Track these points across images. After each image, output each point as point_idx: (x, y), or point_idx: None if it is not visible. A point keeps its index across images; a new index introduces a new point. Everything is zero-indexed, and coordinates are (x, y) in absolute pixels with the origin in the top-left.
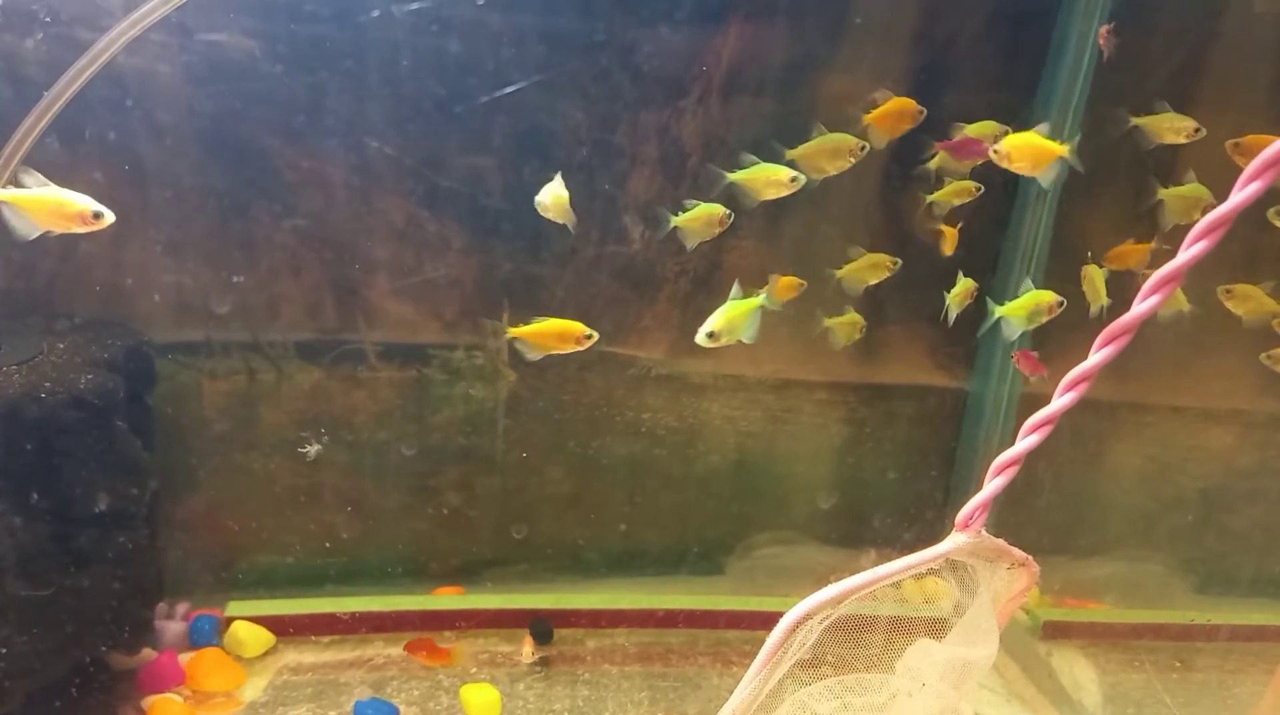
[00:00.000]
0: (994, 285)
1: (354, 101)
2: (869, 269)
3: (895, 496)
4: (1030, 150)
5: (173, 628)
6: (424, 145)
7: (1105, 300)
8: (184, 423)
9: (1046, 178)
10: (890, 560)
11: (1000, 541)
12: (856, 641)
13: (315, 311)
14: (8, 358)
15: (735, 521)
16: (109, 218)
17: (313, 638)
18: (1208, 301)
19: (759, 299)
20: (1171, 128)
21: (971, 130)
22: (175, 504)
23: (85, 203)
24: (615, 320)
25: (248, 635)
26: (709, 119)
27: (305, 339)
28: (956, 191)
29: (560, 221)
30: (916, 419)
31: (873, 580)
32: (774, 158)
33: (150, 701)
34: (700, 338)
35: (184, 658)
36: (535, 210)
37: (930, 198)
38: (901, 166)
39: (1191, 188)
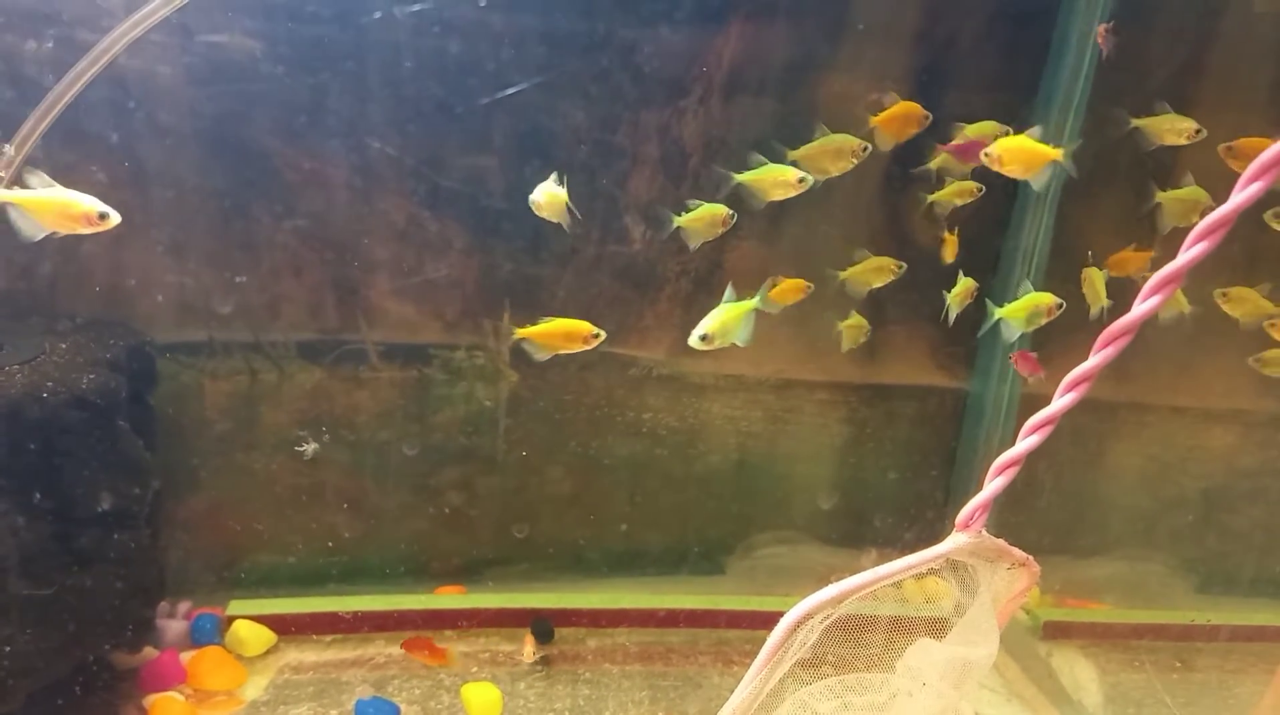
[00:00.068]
0: (994, 286)
1: (355, 102)
2: (874, 272)
3: (896, 496)
4: (1021, 153)
5: (174, 627)
6: (425, 146)
7: (1105, 302)
8: (186, 422)
9: (1038, 181)
10: (891, 560)
11: (1001, 542)
12: (857, 641)
13: (317, 311)
14: (10, 357)
15: (736, 521)
16: (114, 219)
17: (314, 637)
18: (1209, 302)
19: (753, 302)
20: (1172, 129)
21: (972, 130)
22: (177, 503)
23: (91, 204)
24: (616, 320)
25: (249, 634)
26: (710, 119)
27: (307, 339)
28: (958, 192)
29: (555, 220)
30: (917, 419)
31: (873, 580)
32: (775, 158)
33: (152, 700)
34: (693, 340)
35: (185, 656)
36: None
37: (931, 198)
38: (903, 167)
39: (1189, 190)
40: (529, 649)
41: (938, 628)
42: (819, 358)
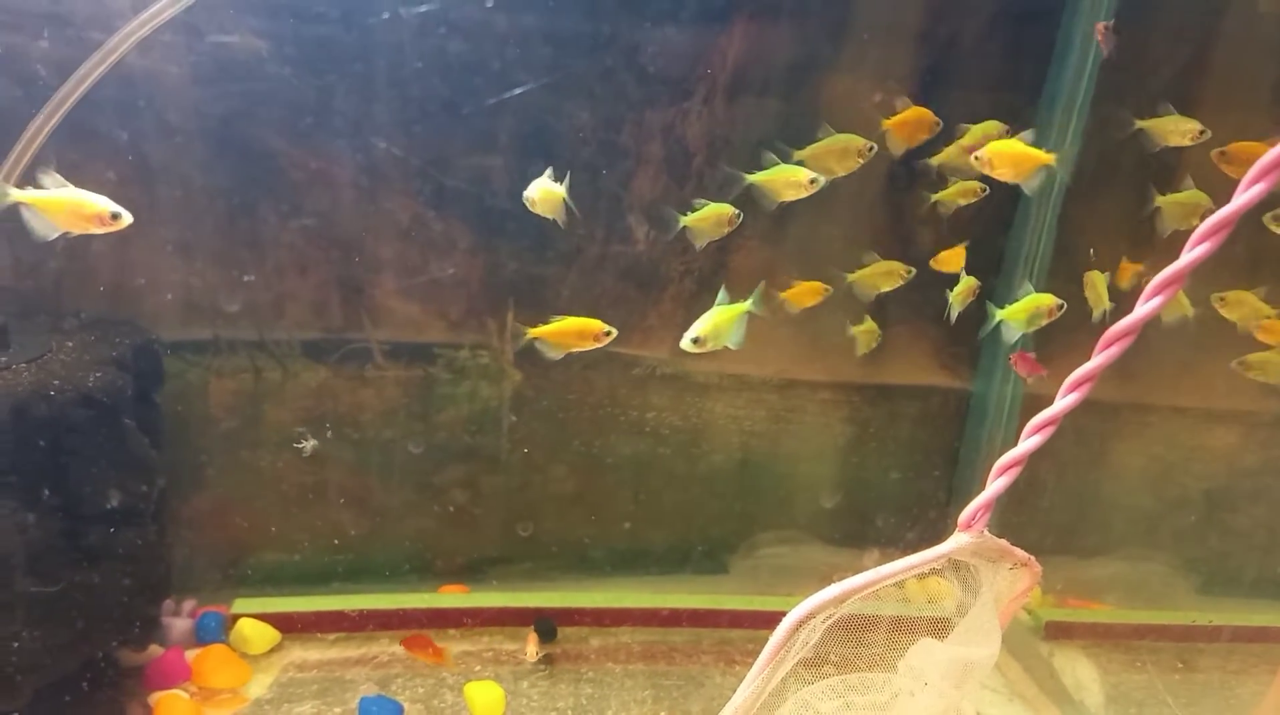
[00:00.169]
0: (997, 286)
1: (361, 102)
2: (883, 276)
3: (898, 496)
4: (1011, 157)
5: (179, 624)
6: (430, 145)
7: (1108, 305)
8: (192, 421)
9: (1030, 185)
10: (893, 560)
11: (1003, 542)
12: (859, 641)
13: (322, 310)
14: (17, 356)
15: (739, 521)
16: (127, 218)
17: (318, 635)
18: (1211, 303)
19: (745, 304)
20: (1175, 130)
21: (975, 130)
22: (183, 501)
23: (103, 204)
24: (620, 320)
25: (253, 632)
26: (714, 119)
27: (312, 338)
28: (961, 192)
29: (550, 217)
30: (920, 419)
31: (876, 580)
32: (782, 158)
33: (157, 698)
34: (685, 343)
35: (190, 654)
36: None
37: (935, 197)
38: (907, 166)
39: (1189, 194)
40: (532, 648)
41: (940, 627)
42: (822, 357)
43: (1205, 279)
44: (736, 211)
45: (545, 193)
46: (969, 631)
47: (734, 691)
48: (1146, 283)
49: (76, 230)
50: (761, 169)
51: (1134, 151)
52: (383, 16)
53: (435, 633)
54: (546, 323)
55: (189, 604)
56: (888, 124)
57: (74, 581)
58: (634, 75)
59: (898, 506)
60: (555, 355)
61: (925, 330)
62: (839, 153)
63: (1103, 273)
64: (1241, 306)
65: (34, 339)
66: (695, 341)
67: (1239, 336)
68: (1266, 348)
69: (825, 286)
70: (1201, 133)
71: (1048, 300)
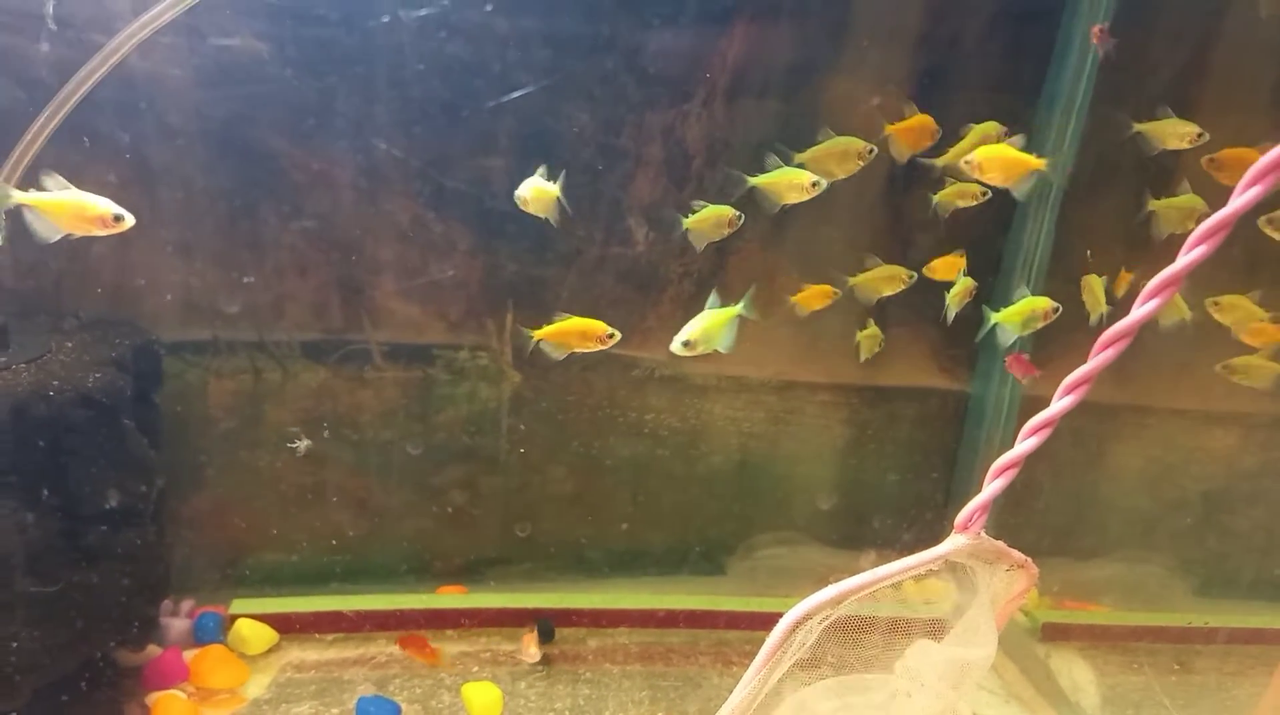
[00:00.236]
0: (995, 288)
1: (362, 104)
2: (885, 281)
3: (896, 498)
4: (1001, 162)
5: (177, 625)
6: (430, 147)
7: (1105, 308)
8: (191, 421)
9: (1020, 190)
10: (890, 561)
11: (999, 543)
12: (856, 642)
13: (321, 311)
14: (16, 356)
15: (737, 522)
16: (129, 221)
17: (316, 635)
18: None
19: (736, 308)
20: (1174, 133)
21: (975, 131)
22: (182, 502)
23: (106, 206)
24: (619, 321)
25: (251, 632)
26: (714, 121)
27: (311, 339)
28: (960, 193)
29: (542, 216)
30: (918, 421)
31: (872, 581)
32: (782, 161)
33: (155, 698)
34: (675, 347)
35: (188, 654)
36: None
37: (935, 198)
38: (906, 168)
39: (1185, 198)
40: (530, 649)
41: (936, 629)
42: (821, 359)
43: (1203, 282)
44: (737, 213)
45: (538, 192)
46: (966, 633)
47: (731, 692)
48: (1140, 288)
49: (79, 232)
50: (762, 171)
51: (1133, 154)
52: (383, 19)
53: (433, 633)
54: (548, 323)
55: (187, 604)
56: (891, 129)
57: (73, 581)
58: (634, 77)
59: (895, 508)
60: (559, 356)
61: (924, 332)
62: (839, 155)
63: (1100, 276)
64: (1235, 310)
65: (34, 339)
66: (685, 345)
67: (1238, 339)
68: (1253, 351)
69: (834, 290)
70: (1200, 136)
71: (1043, 303)
